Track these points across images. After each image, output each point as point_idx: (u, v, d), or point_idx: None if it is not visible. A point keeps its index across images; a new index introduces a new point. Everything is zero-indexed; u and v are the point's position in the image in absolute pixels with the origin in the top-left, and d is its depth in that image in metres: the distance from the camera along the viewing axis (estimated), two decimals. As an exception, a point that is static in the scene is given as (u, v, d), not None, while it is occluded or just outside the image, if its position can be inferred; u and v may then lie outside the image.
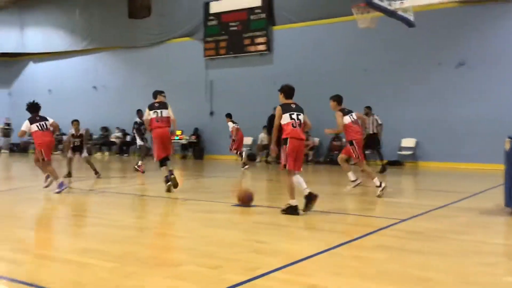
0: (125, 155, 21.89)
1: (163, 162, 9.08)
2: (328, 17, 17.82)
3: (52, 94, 24.08)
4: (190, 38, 20.97)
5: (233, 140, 15.39)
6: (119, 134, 22.46)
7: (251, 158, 18.99)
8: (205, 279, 3.90)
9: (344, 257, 4.74)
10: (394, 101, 16.75)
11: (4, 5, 24.06)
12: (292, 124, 6.71)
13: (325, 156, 17.72)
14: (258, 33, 19.38)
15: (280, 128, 6.77)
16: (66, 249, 5.08)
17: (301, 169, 6.94)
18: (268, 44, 19.18)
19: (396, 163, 16.11)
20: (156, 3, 21.71)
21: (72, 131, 11.86)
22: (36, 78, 25.19)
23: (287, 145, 6.67)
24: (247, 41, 19.66)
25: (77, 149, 11.83)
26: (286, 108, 6.80)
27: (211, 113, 20.47)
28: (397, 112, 16.48)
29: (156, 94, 9.37)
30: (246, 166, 14.84)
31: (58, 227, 6.54)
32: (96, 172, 11.84)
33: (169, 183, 8.95)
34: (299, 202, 6.78)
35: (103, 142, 22.81)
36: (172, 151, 9.43)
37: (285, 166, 6.73)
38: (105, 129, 23.00)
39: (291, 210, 6.73)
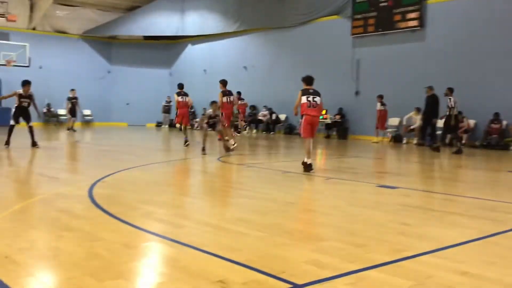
0: (271, 133, 22.67)
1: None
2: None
3: (207, 74, 25.79)
4: (338, 16, 20.75)
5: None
6: (266, 112, 23.28)
7: (398, 139, 18.42)
8: (350, 256, 3.95)
9: (501, 247, 4.42)
10: None
11: (167, -8, 26.26)
12: (307, 104, 8.83)
13: (481, 139, 16.39)
14: (410, 8, 18.43)
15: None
16: (221, 217, 5.52)
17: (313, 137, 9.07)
18: (421, 19, 18.15)
19: None
20: (305, -17, 21.81)
21: (210, 111, 12.44)
22: (193, 59, 27.16)
23: (303, 119, 8.93)
24: (397, 17, 18.84)
25: (212, 126, 12.25)
26: (305, 92, 8.97)
27: (357, 93, 20.15)
28: None
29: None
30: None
31: (213, 197, 7.09)
32: (228, 150, 12.02)
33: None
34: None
35: (251, 120, 23.85)
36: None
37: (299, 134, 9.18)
38: (253, 108, 24.00)
39: (306, 167, 8.92)
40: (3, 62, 22.30)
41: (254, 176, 9.23)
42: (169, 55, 28.55)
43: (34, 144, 12.62)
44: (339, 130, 20.44)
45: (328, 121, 20.64)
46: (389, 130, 18.67)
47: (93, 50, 27.27)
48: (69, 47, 26.18)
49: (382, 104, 17.94)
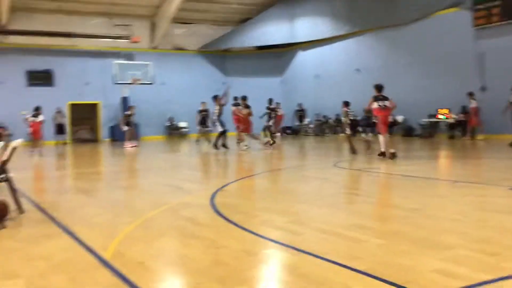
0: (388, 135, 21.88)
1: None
2: None
3: (319, 79, 25.74)
4: (456, 8, 19.52)
5: None
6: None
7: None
8: (482, 265, 3.67)
9: None
10: None
11: (275, 1, 26.70)
12: (379, 108, 11.39)
13: None
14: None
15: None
16: (338, 223, 5.44)
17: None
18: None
19: None
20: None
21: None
22: (304, 65, 27.29)
23: (378, 120, 11.51)
24: (525, 3, 17.22)
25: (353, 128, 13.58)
26: (376, 98, 11.39)
27: (482, 89, 18.72)
28: None
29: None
30: None
31: (330, 203, 7.02)
32: (354, 151, 12.70)
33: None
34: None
35: (368, 123, 23.23)
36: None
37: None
38: (369, 111, 23.39)
39: (391, 156, 11.21)
40: (130, 81, 24.26)
41: (371, 181, 8.99)
42: (280, 63, 28.99)
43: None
44: (464, 129, 19.11)
45: (452, 120, 19.41)
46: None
47: (209, 63, 28.60)
48: (187, 63, 27.72)
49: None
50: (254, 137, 16.52)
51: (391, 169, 10.34)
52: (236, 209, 6.30)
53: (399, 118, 21.99)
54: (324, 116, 24.76)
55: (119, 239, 4.89)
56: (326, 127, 24.61)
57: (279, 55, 28.84)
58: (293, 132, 26.60)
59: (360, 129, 14.96)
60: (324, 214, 6.06)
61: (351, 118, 13.70)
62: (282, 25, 26.72)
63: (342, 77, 24.29)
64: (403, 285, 3.29)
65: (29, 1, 22.16)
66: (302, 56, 27.55)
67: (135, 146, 18.94)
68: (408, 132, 21.23)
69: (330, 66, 25.23)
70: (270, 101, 19.22)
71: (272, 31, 26.73)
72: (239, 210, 6.23)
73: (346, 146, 13.07)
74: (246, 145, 15.61)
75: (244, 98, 16.22)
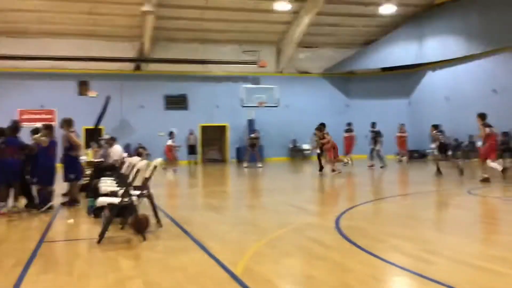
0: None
1: None
2: None
3: (449, 101, 24.38)
4: None
5: None
6: (523, 139, 20.65)
7: None
8: None
9: None
10: None
11: (403, 20, 26.00)
12: (491, 134, 11.89)
13: None
14: None
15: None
16: (475, 254, 5.08)
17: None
18: None
19: None
20: None
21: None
22: (433, 87, 26.05)
23: (488, 145, 12.00)
24: None
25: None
26: (485, 125, 11.93)
27: None
28: None
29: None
30: None
31: (464, 232, 6.58)
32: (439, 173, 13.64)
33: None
34: None
35: (504, 149, 21.42)
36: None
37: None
38: (506, 134, 21.59)
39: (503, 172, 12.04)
40: (256, 103, 25.19)
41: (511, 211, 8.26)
42: (407, 84, 27.99)
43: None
44: None
45: None
46: None
47: (332, 86, 28.59)
48: (311, 86, 28.00)
49: None
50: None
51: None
52: (363, 233, 6.19)
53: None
54: (456, 140, 23.31)
55: (248, 256, 5.08)
56: (458, 151, 23.13)
57: (406, 76, 27.90)
58: (420, 155, 25.41)
59: (449, 152, 15.34)
60: (458, 243, 5.70)
61: (441, 141, 14.45)
62: (409, 45, 25.87)
63: (476, 99, 22.70)
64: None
65: (168, 32, 24.15)
66: (432, 77, 26.35)
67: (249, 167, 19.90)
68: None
69: (463, 86, 23.76)
70: (373, 124, 19.23)
71: (399, 51, 25.99)
72: (366, 234, 6.11)
73: (478, 172, 12.35)
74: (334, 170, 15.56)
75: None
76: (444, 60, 24.72)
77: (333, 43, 27.65)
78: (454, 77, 24.53)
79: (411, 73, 27.61)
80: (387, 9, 23.83)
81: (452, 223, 7.40)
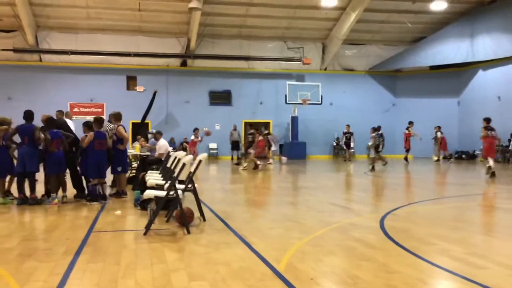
0: None
1: None
2: None
3: (501, 100, 23.48)
4: None
5: None
6: None
7: None
8: None
9: None
10: None
11: (454, 17, 25.21)
12: (488, 135, 13.82)
13: None
14: None
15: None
16: (527, 261, 4.88)
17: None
18: None
19: None
20: None
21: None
22: (484, 86, 25.14)
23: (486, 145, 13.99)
24: None
25: None
26: (486, 128, 13.77)
27: None
28: None
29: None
30: None
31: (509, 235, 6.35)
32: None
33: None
34: None
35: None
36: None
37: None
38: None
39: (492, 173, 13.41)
40: (299, 101, 25.06)
41: None
42: (457, 83, 27.13)
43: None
44: None
45: None
46: None
47: (378, 84, 28.07)
48: (356, 83, 27.60)
49: None
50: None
51: None
52: (408, 235, 6.05)
53: None
54: (509, 140, 22.44)
55: (291, 253, 5.06)
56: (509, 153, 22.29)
57: (456, 74, 27.06)
58: (469, 156, 24.61)
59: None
60: (509, 248, 5.49)
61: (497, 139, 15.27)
62: (460, 43, 25.05)
63: (531, 99, 21.82)
64: None
65: (214, 28, 24.36)
66: (483, 76, 25.43)
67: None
68: None
69: (516, 86, 22.85)
70: (375, 128, 18.85)
71: (449, 49, 25.20)
72: (412, 236, 5.98)
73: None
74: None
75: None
76: (497, 59, 23.82)
77: (380, 40, 27.15)
78: (507, 77, 23.61)
79: (461, 71, 26.77)
80: (438, 6, 23.23)
81: (503, 227, 7.13)
